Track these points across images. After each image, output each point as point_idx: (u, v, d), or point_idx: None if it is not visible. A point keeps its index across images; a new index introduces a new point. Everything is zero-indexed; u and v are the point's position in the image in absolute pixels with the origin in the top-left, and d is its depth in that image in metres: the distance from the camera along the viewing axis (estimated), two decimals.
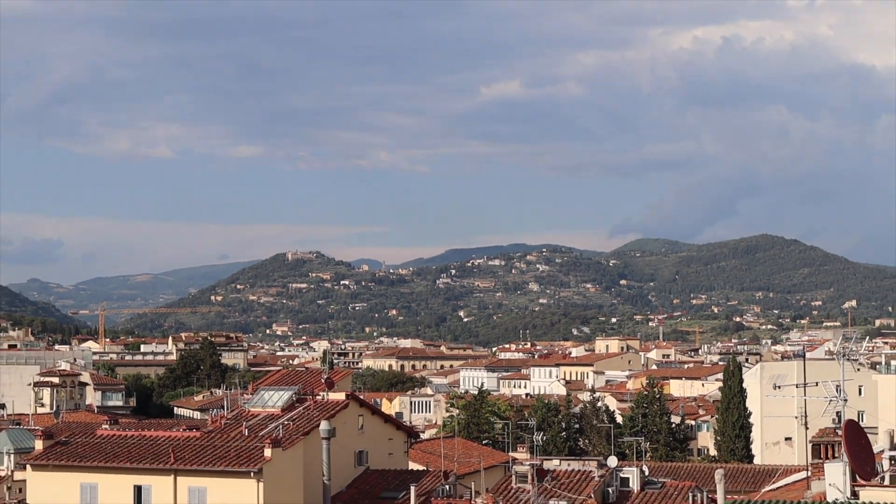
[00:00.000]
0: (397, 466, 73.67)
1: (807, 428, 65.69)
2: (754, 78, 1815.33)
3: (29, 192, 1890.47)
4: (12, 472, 78.36)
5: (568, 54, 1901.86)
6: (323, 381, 76.72)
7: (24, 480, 65.53)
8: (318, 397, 71.51)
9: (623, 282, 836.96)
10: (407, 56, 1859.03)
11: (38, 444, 65.64)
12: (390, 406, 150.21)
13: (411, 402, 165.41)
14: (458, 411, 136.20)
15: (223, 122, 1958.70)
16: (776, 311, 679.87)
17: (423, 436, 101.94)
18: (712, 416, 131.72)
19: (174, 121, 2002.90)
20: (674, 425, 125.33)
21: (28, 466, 64.06)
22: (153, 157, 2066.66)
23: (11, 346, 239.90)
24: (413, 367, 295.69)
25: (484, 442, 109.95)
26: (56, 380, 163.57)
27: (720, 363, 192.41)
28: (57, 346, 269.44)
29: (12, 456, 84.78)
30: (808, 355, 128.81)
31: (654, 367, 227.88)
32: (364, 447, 71.93)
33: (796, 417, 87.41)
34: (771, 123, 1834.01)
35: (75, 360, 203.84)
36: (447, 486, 63.96)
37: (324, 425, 65.50)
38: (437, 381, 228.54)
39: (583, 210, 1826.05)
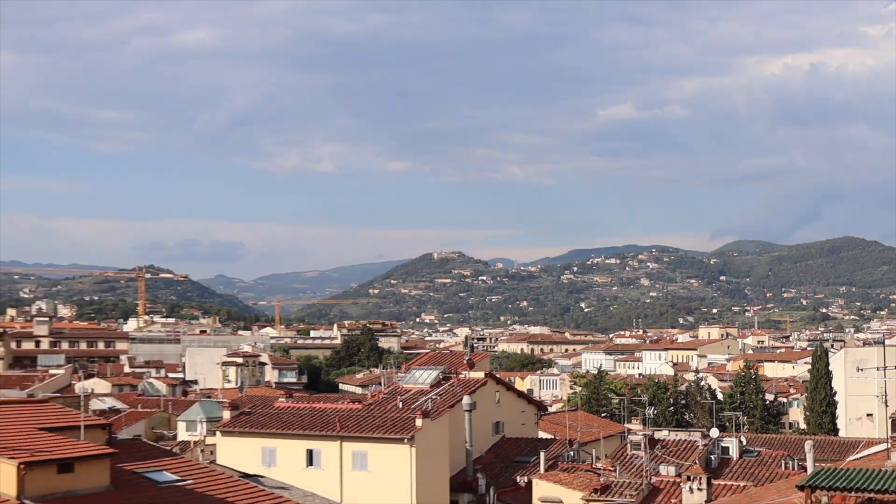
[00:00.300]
0: (529, 435, 73.79)
1: (886, 405, 64.20)
2: (838, 99, 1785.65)
3: (215, 201, 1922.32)
4: (205, 437, 79.51)
5: (673, 81, 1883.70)
6: (465, 361, 76.94)
7: (215, 444, 66.54)
8: (460, 376, 71.77)
9: (722, 278, 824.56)
10: (534, 83, 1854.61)
11: (226, 414, 66.57)
12: (522, 383, 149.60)
13: (540, 381, 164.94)
14: (580, 388, 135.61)
15: (378, 142, 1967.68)
16: (858, 304, 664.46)
17: (551, 409, 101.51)
18: (802, 395, 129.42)
19: (336, 140, 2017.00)
20: (768, 402, 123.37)
21: (218, 432, 65.10)
22: (319, 172, 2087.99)
23: (202, 332, 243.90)
24: (541, 350, 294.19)
25: (602, 415, 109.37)
26: (240, 360, 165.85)
27: (808, 348, 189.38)
28: (240, 332, 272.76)
29: (204, 424, 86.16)
30: (887, 342, 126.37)
31: (750, 351, 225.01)
32: (500, 418, 72.09)
33: (877, 396, 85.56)
34: (853, 139, 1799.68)
35: (256, 343, 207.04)
36: (571, 452, 63.84)
37: (466, 399, 65.80)
38: (562, 362, 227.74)
39: (687, 216, 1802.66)
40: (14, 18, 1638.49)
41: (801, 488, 25.48)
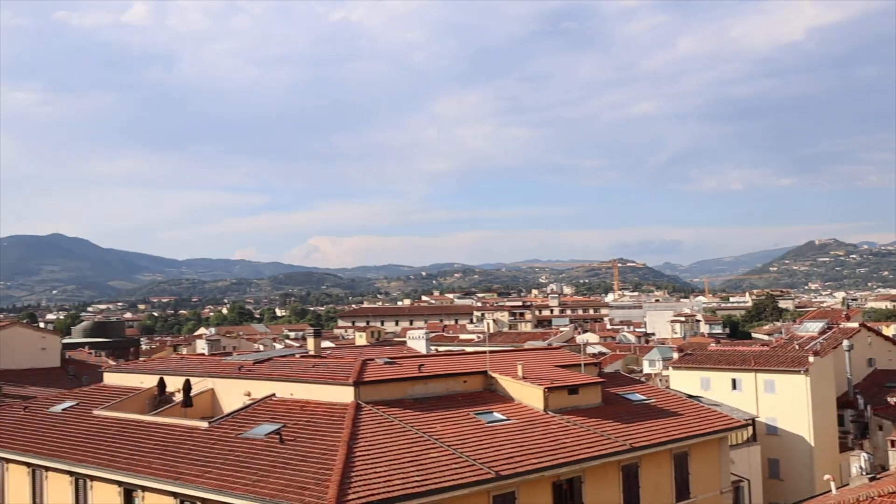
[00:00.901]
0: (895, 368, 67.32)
1: None
2: None
3: (660, 213, 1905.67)
4: (661, 370, 78.72)
5: None
6: (843, 315, 71.85)
7: (668, 375, 65.66)
8: (840, 326, 67.02)
9: None
10: (883, 116, 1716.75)
11: (675, 355, 65.64)
12: (888, 330, 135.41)
13: None
14: None
15: (771, 165, 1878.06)
16: None
17: None
18: None
19: (741, 167, 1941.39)
20: None
21: (670, 367, 64.17)
22: (730, 190, 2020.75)
23: (656, 301, 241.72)
24: None
25: None
26: (682, 319, 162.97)
27: None
28: (682, 300, 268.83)
29: (661, 362, 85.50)
30: None
31: None
32: (872, 356, 66.33)
33: None
34: None
35: (693, 307, 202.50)
36: None
37: (845, 343, 61.35)
38: None
39: None
40: (531, 106, 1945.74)
41: None
